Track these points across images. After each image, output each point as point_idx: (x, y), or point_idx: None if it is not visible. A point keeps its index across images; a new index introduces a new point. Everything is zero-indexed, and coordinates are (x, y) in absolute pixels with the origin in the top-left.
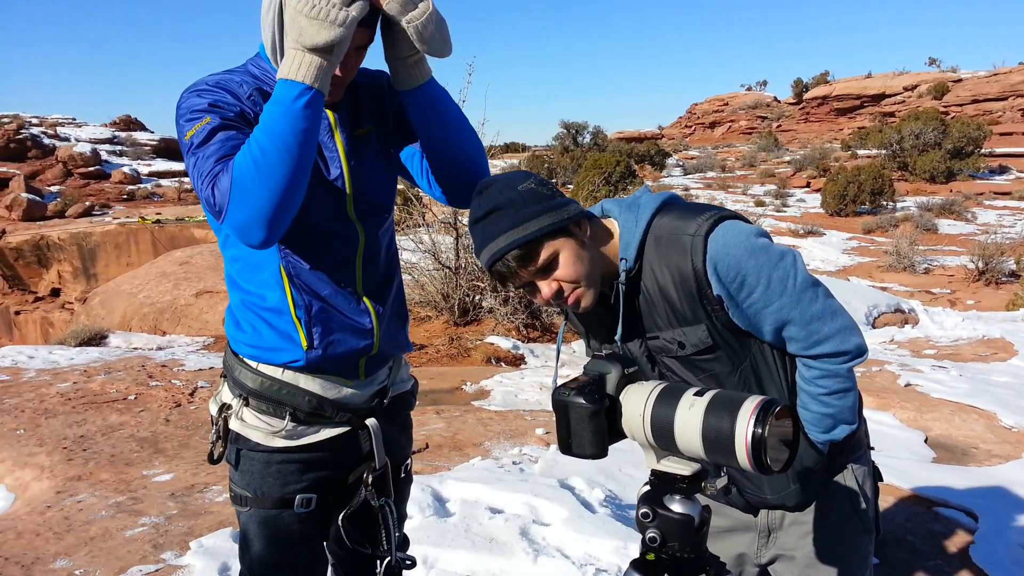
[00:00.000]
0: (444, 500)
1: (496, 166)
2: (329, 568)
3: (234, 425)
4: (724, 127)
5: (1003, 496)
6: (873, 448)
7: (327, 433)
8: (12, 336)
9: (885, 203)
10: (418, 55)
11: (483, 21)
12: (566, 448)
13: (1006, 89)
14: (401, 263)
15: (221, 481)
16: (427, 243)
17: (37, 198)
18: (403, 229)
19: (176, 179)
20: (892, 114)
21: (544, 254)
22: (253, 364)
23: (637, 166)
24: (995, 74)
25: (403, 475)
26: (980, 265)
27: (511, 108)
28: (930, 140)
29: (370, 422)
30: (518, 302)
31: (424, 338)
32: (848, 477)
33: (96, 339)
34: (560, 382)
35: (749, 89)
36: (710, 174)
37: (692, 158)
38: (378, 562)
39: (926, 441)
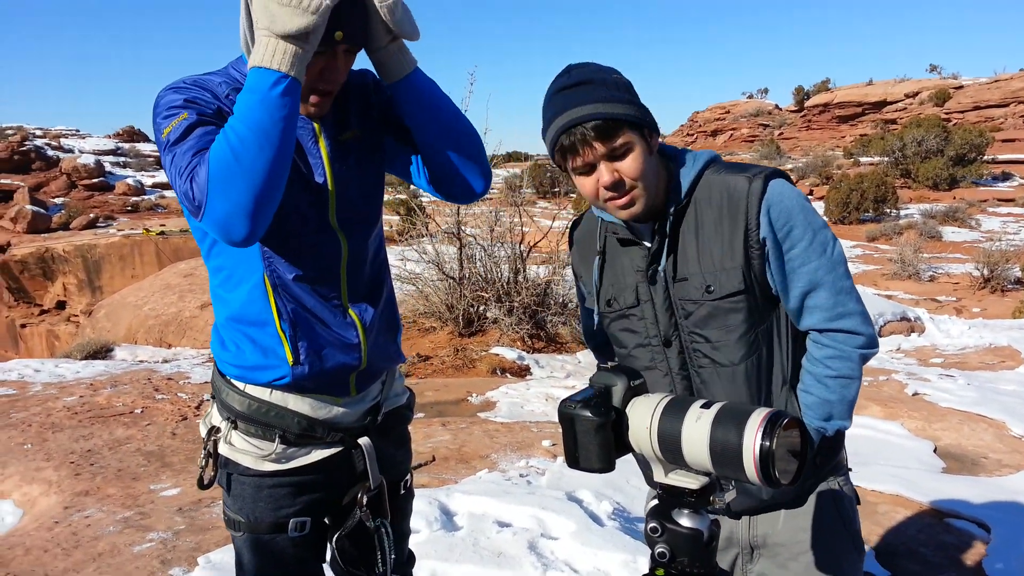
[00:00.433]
0: (451, 514)
1: (498, 175)
2: None
3: (223, 449)
4: (726, 135)
5: (1015, 507)
6: (851, 470)
7: (319, 454)
8: (18, 349)
9: (888, 210)
10: (397, 41)
11: (485, 31)
12: (573, 462)
13: (1007, 95)
14: (405, 274)
15: None
16: (431, 253)
17: (41, 210)
18: (406, 239)
19: None
20: (894, 121)
21: (622, 139)
22: (240, 385)
23: None
24: (996, 80)
25: (403, 491)
26: (985, 272)
27: (513, 118)
28: (932, 147)
29: (363, 441)
30: (523, 312)
31: (429, 349)
32: (837, 495)
33: (102, 352)
34: (567, 394)
35: (750, 97)
36: None
37: None
38: None
39: (935, 451)
